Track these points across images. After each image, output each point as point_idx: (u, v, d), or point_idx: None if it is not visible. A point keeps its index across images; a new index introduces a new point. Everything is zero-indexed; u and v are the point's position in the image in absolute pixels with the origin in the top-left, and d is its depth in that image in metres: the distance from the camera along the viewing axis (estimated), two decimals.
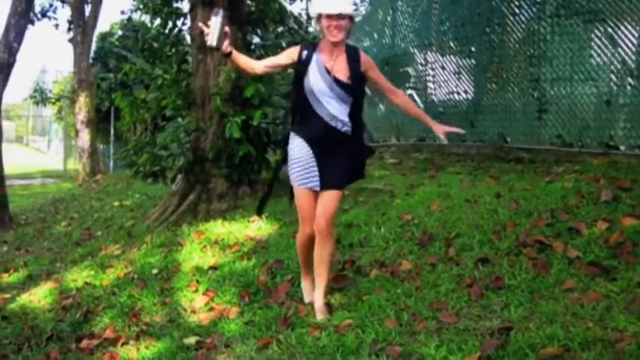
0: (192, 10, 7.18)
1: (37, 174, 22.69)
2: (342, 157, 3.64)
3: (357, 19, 3.77)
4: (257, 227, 5.74)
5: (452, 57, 8.73)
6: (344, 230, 5.01)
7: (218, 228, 5.95)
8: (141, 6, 7.47)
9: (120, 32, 20.63)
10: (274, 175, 4.25)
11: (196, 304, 4.41)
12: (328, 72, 3.54)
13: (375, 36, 10.47)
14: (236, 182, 7.05)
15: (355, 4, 12.53)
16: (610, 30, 6.18)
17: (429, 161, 7.57)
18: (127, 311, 4.53)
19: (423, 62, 9.26)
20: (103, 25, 19.88)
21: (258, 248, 5.19)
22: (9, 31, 10.06)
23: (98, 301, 4.89)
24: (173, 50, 7.46)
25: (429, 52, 9.17)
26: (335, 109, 3.57)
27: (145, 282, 5.05)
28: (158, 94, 7.24)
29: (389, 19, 10.10)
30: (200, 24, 3.57)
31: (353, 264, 4.36)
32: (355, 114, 3.66)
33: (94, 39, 18.18)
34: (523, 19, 7.34)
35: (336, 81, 3.54)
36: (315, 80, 3.55)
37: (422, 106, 9.10)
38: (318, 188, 3.62)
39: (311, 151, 3.60)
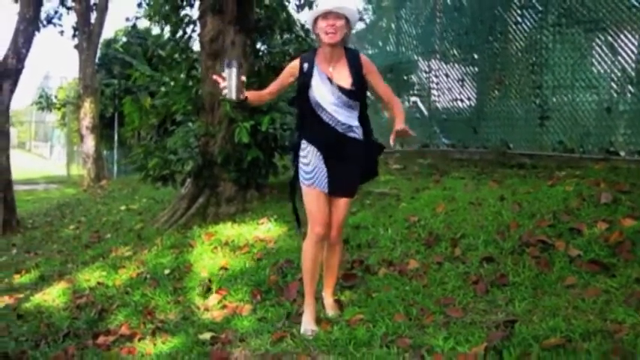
0: (201, 17, 7.32)
1: (41, 179, 22.72)
2: (354, 163, 3.60)
3: (354, 24, 3.63)
4: (266, 229, 5.84)
5: (455, 64, 8.88)
6: (352, 232, 5.13)
7: (228, 230, 6.05)
8: (151, 13, 7.61)
9: (124, 39, 20.81)
10: (292, 190, 3.89)
11: (209, 303, 4.51)
12: (331, 81, 3.50)
13: (380, 44, 10.63)
14: (244, 186, 7.15)
15: (359, 12, 12.68)
16: (610, 39, 6.30)
17: (433, 166, 7.70)
18: (141, 309, 4.61)
19: (427, 70, 9.41)
20: (107, 32, 20.03)
21: (268, 249, 5.28)
22: (17, 38, 10.21)
23: (112, 300, 4.98)
24: (183, 57, 7.59)
25: (432, 60, 9.31)
26: (343, 116, 3.52)
27: (157, 282, 5.15)
28: (167, 100, 7.38)
29: (393, 27, 10.26)
30: (215, 77, 3.47)
31: (362, 263, 4.48)
32: (363, 117, 3.62)
33: (99, 45, 18.36)
34: (525, 27, 7.47)
35: (340, 89, 3.49)
36: (319, 92, 3.50)
37: (426, 113, 9.27)
38: (326, 191, 3.56)
39: (321, 156, 3.56)
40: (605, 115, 6.31)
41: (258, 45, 7.61)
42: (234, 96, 3.39)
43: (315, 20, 3.48)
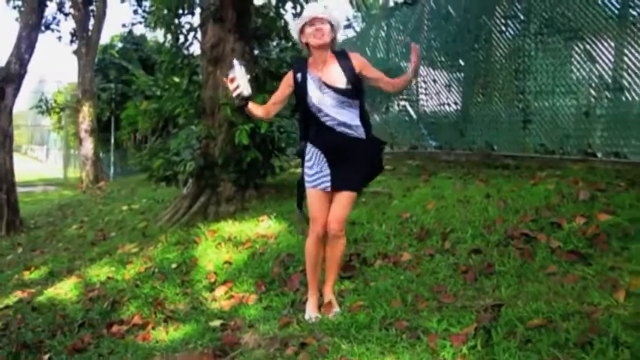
0: (202, 25, 7.57)
1: (38, 182, 22.73)
2: (359, 162, 3.65)
3: (338, 29, 3.70)
4: (267, 226, 6.05)
5: (442, 71, 9.08)
6: (349, 228, 5.23)
7: (229, 227, 6.25)
8: (153, 21, 7.85)
9: (120, 44, 20.95)
10: (298, 191, 3.97)
11: (216, 293, 4.73)
12: (326, 85, 3.56)
13: (370, 51, 10.87)
14: (243, 186, 7.36)
15: (348, 19, 12.96)
16: (589, 47, 6.50)
17: (422, 167, 7.89)
18: (151, 301, 4.80)
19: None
20: (104, 38, 20.07)
21: (269, 244, 5.49)
22: (20, 43, 10.38)
23: (123, 292, 5.16)
24: (184, 63, 7.82)
25: (421, 66, 9.59)
26: (345, 117, 3.58)
27: (165, 275, 5.35)
28: (169, 104, 7.60)
29: (383, 34, 10.52)
30: (225, 80, 3.54)
31: (359, 256, 4.71)
32: (363, 115, 3.68)
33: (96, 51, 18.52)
34: (509, 36, 7.68)
35: (336, 90, 3.54)
36: (316, 97, 3.57)
37: (415, 116, 9.54)
38: (328, 189, 3.65)
39: (325, 157, 3.65)
40: (584, 119, 6.51)
41: (257, 52, 7.86)
42: (247, 92, 3.46)
43: (302, 30, 3.60)
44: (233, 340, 3.63)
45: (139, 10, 17.49)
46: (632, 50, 6.08)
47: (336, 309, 3.77)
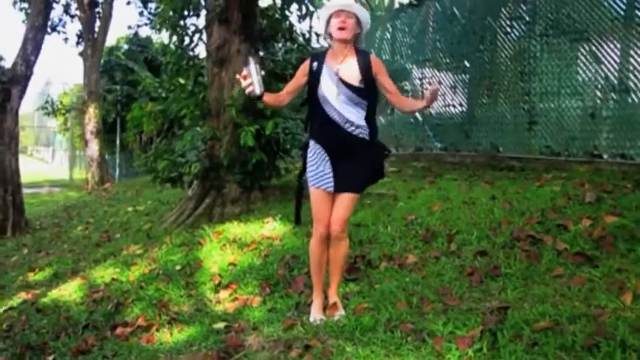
0: (208, 26, 7.56)
1: (44, 183, 22.80)
2: (360, 163, 3.61)
3: (366, 24, 3.65)
4: (271, 227, 6.03)
5: (448, 72, 9.07)
6: (353, 229, 5.32)
7: (234, 229, 6.23)
8: (159, 23, 7.87)
9: (126, 46, 21.02)
10: (299, 185, 4.05)
11: (221, 296, 4.72)
12: (339, 78, 3.52)
13: (375, 53, 10.87)
14: (248, 188, 7.35)
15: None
16: (594, 48, 6.50)
17: (427, 169, 7.89)
18: (155, 303, 4.79)
19: (421, 77, 9.65)
20: (109, 40, 20.19)
21: (274, 246, 5.47)
22: (27, 45, 10.42)
23: (127, 294, 5.15)
24: (190, 64, 7.84)
25: (426, 68, 9.56)
26: (350, 114, 3.53)
27: (169, 277, 5.33)
28: (175, 105, 7.61)
29: (388, 36, 10.52)
30: (238, 76, 3.50)
31: (364, 258, 4.68)
32: (370, 118, 3.63)
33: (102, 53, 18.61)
34: (514, 37, 7.69)
35: (347, 85, 3.51)
36: (326, 87, 3.53)
37: (420, 118, 9.53)
38: (331, 190, 3.61)
39: (327, 155, 3.60)
40: (590, 121, 6.51)
41: (262, 53, 7.86)
42: (258, 91, 3.41)
43: (329, 20, 3.58)
44: (237, 343, 3.60)
45: (145, 12, 17.57)
46: (638, 51, 6.07)
47: (341, 311, 3.75)
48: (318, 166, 3.65)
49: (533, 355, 2.67)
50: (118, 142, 20.68)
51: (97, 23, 17.52)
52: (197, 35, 7.83)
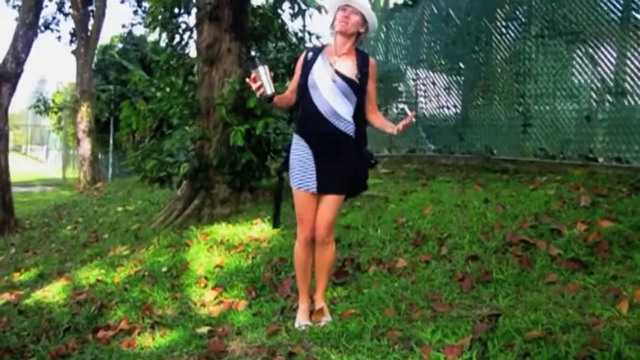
0: (198, 24, 7.46)
1: (36, 182, 22.75)
2: (344, 163, 3.51)
3: (372, 26, 3.61)
4: (260, 229, 5.96)
5: (442, 73, 9.04)
6: (343, 232, 5.26)
7: (222, 230, 6.16)
8: (149, 20, 7.77)
9: (120, 45, 20.94)
10: (278, 183, 3.93)
11: (206, 299, 4.64)
12: (332, 65, 3.47)
13: (369, 53, 10.82)
14: (238, 188, 7.25)
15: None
16: (590, 50, 6.45)
17: (420, 171, 7.84)
18: (139, 305, 4.71)
19: (415, 78, 9.61)
20: (103, 38, 20.20)
21: (262, 248, 5.40)
22: (17, 42, 10.30)
23: (111, 296, 5.07)
24: (179, 63, 7.74)
25: (420, 69, 9.50)
26: (338, 106, 3.44)
27: (155, 279, 5.25)
28: (163, 104, 7.52)
29: (382, 37, 10.46)
30: (247, 80, 3.40)
31: (352, 261, 4.60)
32: (359, 118, 3.54)
33: (95, 51, 18.53)
34: (509, 38, 7.64)
35: (340, 75, 3.44)
36: (318, 75, 3.46)
37: (413, 120, 9.45)
38: (315, 191, 3.51)
39: (311, 153, 3.49)
40: (585, 123, 6.46)
41: (253, 52, 7.77)
42: (269, 92, 3.32)
43: (335, 14, 3.53)
44: (220, 348, 3.52)
45: (139, 11, 17.48)
46: (635, 53, 6.03)
47: (327, 317, 3.65)
48: (301, 165, 3.53)
49: None
50: (111, 141, 20.61)
51: (91, 21, 17.45)
52: (187, 33, 7.74)
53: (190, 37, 7.84)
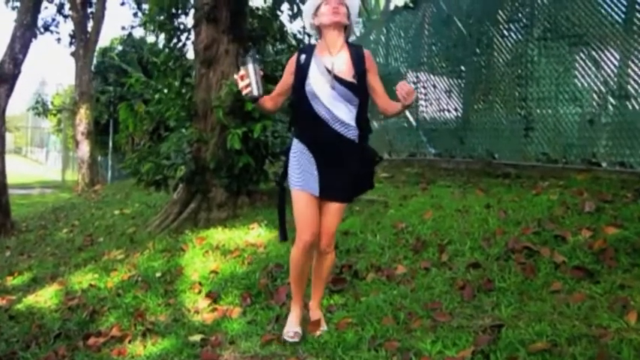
0: (196, 26, 7.40)
1: (36, 184, 22.81)
2: (348, 168, 3.30)
3: (355, 16, 3.44)
4: (256, 234, 5.90)
5: (443, 76, 8.95)
6: (341, 238, 5.16)
7: (219, 235, 6.09)
8: (147, 21, 7.71)
9: (120, 47, 20.95)
10: (280, 194, 3.62)
11: (200, 305, 4.54)
12: (329, 71, 3.23)
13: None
14: (235, 192, 7.18)
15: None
16: (594, 53, 6.35)
17: (420, 175, 7.76)
18: (132, 311, 4.63)
19: (416, 81, 9.51)
20: (103, 41, 20.25)
21: (258, 254, 5.32)
22: (14, 43, 10.27)
23: (103, 302, 4.99)
24: (177, 64, 7.68)
25: (421, 72, 9.43)
26: (341, 112, 3.23)
27: (148, 284, 5.16)
28: (161, 107, 7.46)
29: (383, 39, 10.39)
30: (235, 76, 3.18)
31: (350, 268, 4.50)
32: (362, 118, 3.33)
33: (95, 53, 18.52)
34: (511, 41, 7.54)
35: (339, 80, 3.21)
36: (315, 82, 3.22)
37: (414, 123, 9.38)
38: (316, 194, 3.28)
39: (312, 158, 3.29)
40: (588, 127, 6.36)
41: (250, 52, 7.70)
42: (256, 93, 3.09)
43: (315, 11, 3.31)
44: (212, 358, 3.46)
45: (139, 13, 17.48)
46: (639, 56, 5.92)
47: (324, 327, 3.54)
48: (301, 166, 3.31)
49: None
50: (110, 143, 20.59)
51: (90, 23, 17.45)
52: (185, 35, 7.67)
53: (188, 38, 7.79)
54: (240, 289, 4.62)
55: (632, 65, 5.99)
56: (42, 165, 36.59)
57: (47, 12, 18.72)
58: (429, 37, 9.35)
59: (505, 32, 7.65)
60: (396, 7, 10.39)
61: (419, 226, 5.03)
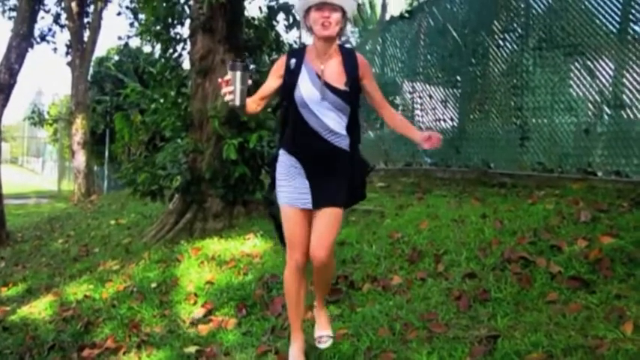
0: (192, 36, 7.40)
1: (32, 194, 22.79)
2: (340, 175, 3.11)
3: (351, 16, 3.30)
4: (252, 244, 5.87)
5: (439, 86, 8.96)
6: (337, 248, 5.08)
7: (214, 245, 6.07)
8: (143, 31, 7.71)
9: (116, 57, 20.98)
10: (270, 210, 3.42)
11: (195, 316, 4.53)
12: (319, 77, 3.04)
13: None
14: (231, 202, 7.16)
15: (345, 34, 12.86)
16: (589, 63, 6.37)
17: (416, 185, 7.75)
18: (127, 322, 4.62)
19: (411, 91, 9.55)
20: (100, 50, 20.31)
21: (253, 264, 5.30)
22: (10, 53, 10.32)
23: (98, 313, 4.97)
24: (173, 74, 7.67)
25: (417, 82, 9.45)
26: (332, 121, 3.05)
27: (144, 295, 5.14)
28: (157, 117, 7.45)
29: (379, 49, 10.42)
30: (220, 80, 2.95)
31: (346, 279, 4.48)
32: (353, 126, 3.15)
33: (91, 63, 18.54)
34: (507, 51, 7.57)
35: (329, 87, 3.02)
36: (306, 89, 3.02)
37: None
38: (309, 206, 3.07)
39: (302, 169, 3.08)
40: (584, 137, 6.38)
41: (247, 62, 7.71)
42: (237, 102, 2.90)
43: (307, 11, 3.06)
44: None
45: (136, 23, 17.52)
46: (633, 66, 5.97)
47: (329, 333, 3.31)
48: (290, 180, 3.10)
49: None
50: (106, 153, 20.58)
51: (86, 33, 17.48)
52: (181, 44, 7.67)
53: (184, 48, 7.77)
54: (235, 299, 4.60)
55: (627, 75, 6.01)
56: (38, 175, 36.54)
57: (44, 22, 18.85)
58: (425, 47, 9.39)
59: (500, 42, 7.67)
60: (392, 17, 10.43)
61: (415, 236, 5.01)
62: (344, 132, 3.10)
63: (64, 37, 40.55)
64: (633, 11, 6.02)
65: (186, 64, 8.05)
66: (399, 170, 9.17)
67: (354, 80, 3.07)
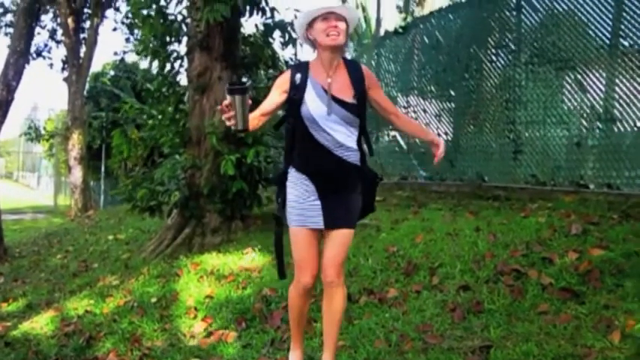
0: (189, 53, 7.52)
1: (28, 209, 22.79)
2: (352, 192, 3.05)
3: (353, 28, 3.18)
4: (250, 259, 5.93)
5: (433, 100, 9.01)
6: None
7: (213, 260, 6.12)
8: (140, 49, 7.82)
9: (112, 72, 21.06)
10: (277, 231, 3.23)
11: (195, 330, 4.58)
12: (326, 92, 2.96)
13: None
14: (229, 217, 7.24)
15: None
16: (580, 77, 6.46)
17: (412, 199, 7.80)
18: (128, 337, 4.64)
19: (406, 105, 9.61)
20: (96, 66, 20.38)
21: (252, 278, 5.36)
22: (8, 70, 10.37)
23: (99, 327, 5.01)
24: (170, 91, 7.76)
25: (411, 96, 9.53)
26: (342, 136, 2.97)
27: (144, 310, 5.18)
28: (155, 132, 7.53)
29: (373, 64, 10.52)
30: (219, 108, 2.85)
31: None
32: (363, 139, 3.09)
33: (87, 79, 18.62)
34: (499, 65, 7.65)
35: (337, 101, 2.95)
36: (314, 106, 2.95)
37: (405, 147, 9.45)
38: (321, 226, 3.00)
39: (313, 187, 3.00)
40: (575, 150, 6.46)
41: (244, 80, 7.80)
42: (240, 126, 2.80)
43: (310, 24, 2.99)
44: None
45: (131, 38, 17.65)
46: (624, 80, 6.05)
47: None
48: (300, 199, 3.02)
49: None
50: (102, 168, 20.61)
51: (83, 49, 17.55)
52: (178, 62, 7.77)
53: (181, 65, 7.87)
54: (235, 313, 4.66)
55: (618, 89, 6.09)
56: (33, 190, 36.47)
57: (40, 37, 18.88)
58: (419, 61, 9.46)
59: (493, 57, 7.75)
60: (387, 32, 10.53)
61: (410, 250, 5.08)
62: (355, 146, 3.03)
63: (60, 52, 40.66)
64: (622, 27, 6.11)
65: (183, 81, 8.16)
66: (394, 184, 9.22)
67: (361, 92, 3.01)
